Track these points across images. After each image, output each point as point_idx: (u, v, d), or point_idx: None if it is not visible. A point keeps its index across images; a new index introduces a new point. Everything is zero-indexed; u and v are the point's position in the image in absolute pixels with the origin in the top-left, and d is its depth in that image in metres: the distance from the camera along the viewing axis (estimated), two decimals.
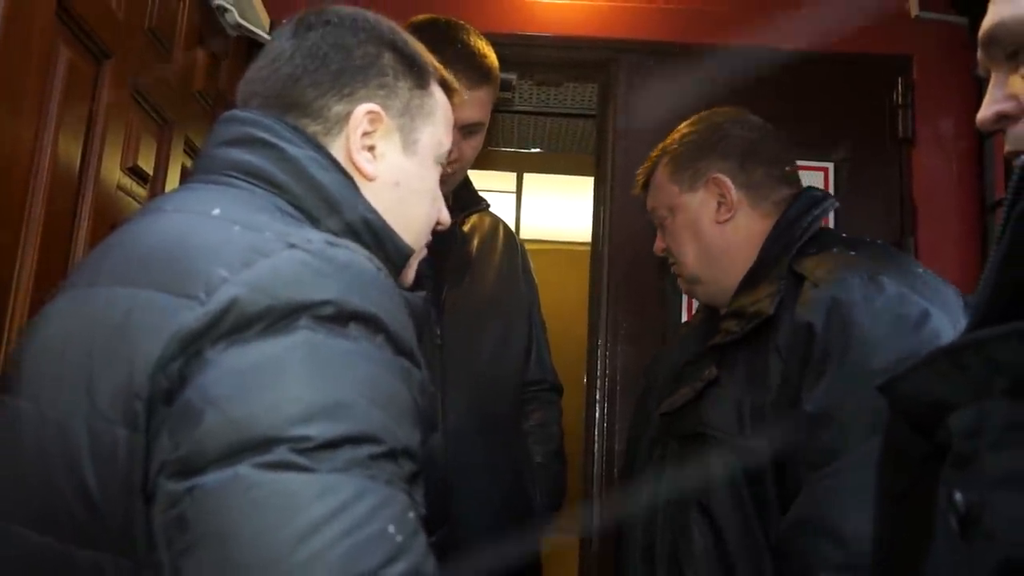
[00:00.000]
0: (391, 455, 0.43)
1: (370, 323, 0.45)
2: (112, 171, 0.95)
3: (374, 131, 0.59)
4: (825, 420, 0.73)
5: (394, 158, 0.61)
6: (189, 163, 1.19)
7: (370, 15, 0.63)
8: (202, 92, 1.24)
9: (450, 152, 0.67)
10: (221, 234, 0.47)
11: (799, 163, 1.54)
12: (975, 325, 0.44)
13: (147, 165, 1.06)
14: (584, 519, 1.44)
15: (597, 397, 1.45)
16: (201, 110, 1.25)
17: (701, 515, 0.80)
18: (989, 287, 0.44)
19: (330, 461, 0.40)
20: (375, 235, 0.57)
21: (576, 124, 2.65)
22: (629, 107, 1.52)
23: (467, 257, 1.19)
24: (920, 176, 1.52)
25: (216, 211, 0.50)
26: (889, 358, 0.72)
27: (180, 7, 1.13)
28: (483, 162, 1.21)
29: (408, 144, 0.61)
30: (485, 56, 1.08)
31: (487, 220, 1.26)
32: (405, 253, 0.60)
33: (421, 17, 1.12)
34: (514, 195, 3.45)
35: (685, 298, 1.45)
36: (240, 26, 1.29)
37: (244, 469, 0.39)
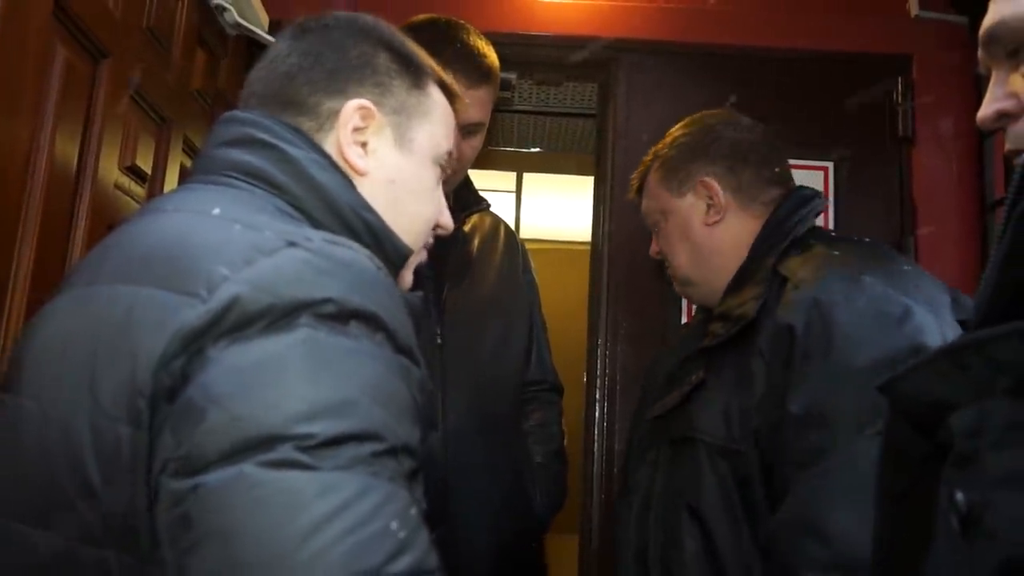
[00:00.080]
0: (392, 452, 0.43)
1: (370, 321, 0.45)
2: (110, 170, 0.95)
3: (366, 127, 0.59)
4: (810, 420, 0.73)
5: (387, 155, 0.61)
6: (188, 162, 1.19)
7: (369, 18, 0.63)
8: (201, 91, 1.24)
9: (450, 154, 0.67)
10: (221, 233, 0.48)
11: (799, 162, 1.55)
12: (976, 325, 0.44)
13: (145, 164, 1.06)
14: (583, 519, 1.44)
15: (597, 397, 1.45)
16: (200, 109, 1.25)
17: (691, 518, 0.81)
18: (990, 287, 0.44)
19: (333, 459, 0.40)
20: (374, 235, 0.57)
21: (576, 124, 2.65)
22: (629, 106, 1.52)
23: (468, 257, 1.19)
24: (920, 175, 1.52)
25: (216, 211, 0.50)
26: (872, 356, 0.72)
27: (179, 6, 1.13)
28: (483, 162, 1.21)
29: (402, 141, 0.61)
30: (485, 56, 1.07)
31: (488, 220, 1.26)
32: (404, 253, 0.60)
33: (421, 17, 1.12)
34: (514, 195, 3.44)
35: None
36: (239, 25, 1.29)
37: (248, 467, 0.39)
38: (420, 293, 0.60)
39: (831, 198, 1.50)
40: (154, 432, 0.42)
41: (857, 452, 0.69)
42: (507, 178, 3.38)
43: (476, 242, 1.22)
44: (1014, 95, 0.51)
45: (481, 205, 1.23)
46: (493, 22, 1.45)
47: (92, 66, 0.90)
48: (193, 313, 0.43)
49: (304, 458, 0.40)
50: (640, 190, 1.02)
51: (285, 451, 0.40)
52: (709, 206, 0.93)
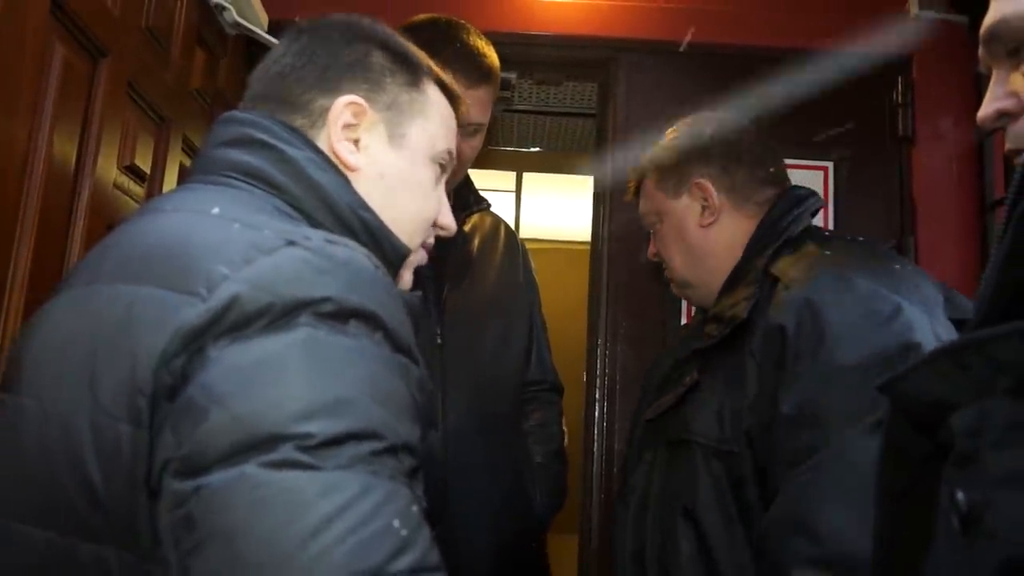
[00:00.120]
0: (392, 451, 0.43)
1: (369, 320, 0.45)
2: (108, 169, 0.95)
3: (358, 124, 0.60)
4: (801, 419, 0.74)
5: (379, 151, 0.60)
6: (187, 162, 1.19)
7: (365, 19, 0.64)
8: (200, 90, 1.24)
9: (450, 153, 0.67)
10: (221, 232, 0.48)
11: (799, 162, 1.55)
12: (977, 324, 0.44)
13: (144, 164, 1.05)
14: (583, 519, 1.44)
15: (596, 396, 1.45)
16: (199, 108, 1.25)
17: (686, 520, 0.81)
18: (991, 286, 0.44)
19: (334, 458, 0.40)
20: (372, 235, 0.57)
21: (576, 123, 2.65)
22: (629, 106, 1.52)
23: (468, 257, 1.18)
24: (920, 175, 1.52)
25: (215, 210, 0.50)
26: (862, 354, 0.72)
27: (178, 5, 1.13)
28: (482, 161, 1.21)
29: (394, 137, 0.61)
30: (484, 56, 1.07)
31: (488, 220, 1.26)
32: (402, 253, 0.60)
33: (421, 17, 1.12)
34: (513, 194, 3.44)
35: None
36: (238, 24, 1.29)
37: (250, 468, 0.39)
38: (419, 293, 0.60)
39: (831, 198, 1.50)
40: (154, 431, 0.42)
41: (847, 449, 0.69)
42: (506, 177, 3.38)
43: (476, 242, 1.22)
44: (1014, 94, 0.51)
45: (481, 205, 1.22)
46: (493, 22, 1.45)
47: (91, 65, 0.90)
48: (193, 312, 0.43)
49: (305, 458, 0.40)
50: (637, 192, 1.02)
51: (286, 451, 0.40)
52: (704, 207, 0.94)
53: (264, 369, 0.42)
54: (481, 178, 1.34)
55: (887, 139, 1.52)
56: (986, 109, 0.52)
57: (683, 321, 1.43)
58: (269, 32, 1.34)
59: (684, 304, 1.44)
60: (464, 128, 1.06)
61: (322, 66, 0.60)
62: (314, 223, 0.54)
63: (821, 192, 1.50)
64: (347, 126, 0.59)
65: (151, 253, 0.48)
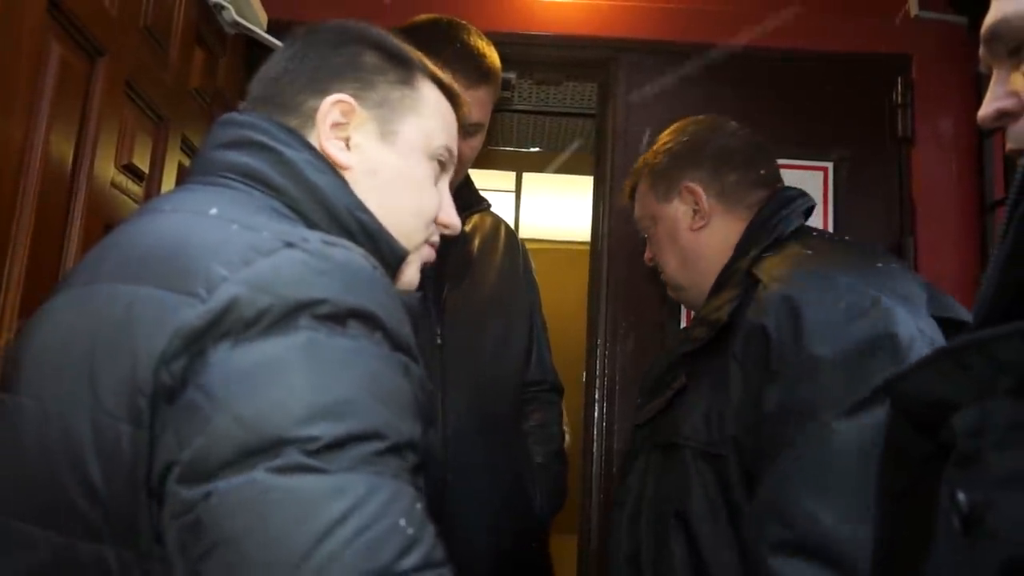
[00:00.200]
0: (395, 449, 0.44)
1: (368, 320, 0.46)
2: (106, 169, 0.95)
3: (347, 123, 0.60)
4: (783, 415, 0.74)
5: (370, 148, 0.61)
6: (186, 161, 1.19)
7: (358, 23, 0.65)
8: (199, 90, 1.24)
9: (449, 151, 0.67)
10: (219, 233, 0.48)
11: (798, 163, 1.54)
12: (978, 325, 0.44)
13: (143, 163, 1.05)
14: (582, 519, 1.44)
15: (596, 397, 1.45)
16: (198, 108, 1.24)
17: (678, 523, 0.81)
18: (992, 287, 0.44)
19: (339, 461, 0.41)
20: (369, 236, 0.57)
21: (576, 123, 2.65)
22: (629, 106, 1.52)
23: (468, 257, 1.18)
24: (919, 176, 1.52)
25: (214, 211, 0.51)
26: (841, 347, 0.72)
27: (176, 5, 1.13)
28: (482, 161, 1.21)
29: (385, 135, 0.61)
30: (485, 56, 1.07)
31: (488, 220, 1.26)
32: (399, 254, 0.60)
33: (423, 17, 1.12)
34: (513, 194, 3.44)
35: None
36: (237, 24, 1.29)
37: (259, 474, 0.40)
38: (418, 294, 0.60)
39: (831, 198, 1.50)
40: (155, 431, 0.42)
41: (824, 436, 0.70)
42: (506, 177, 3.38)
43: (477, 242, 1.21)
44: (1015, 94, 0.51)
45: (482, 205, 1.22)
46: (493, 22, 1.45)
47: (88, 64, 0.90)
48: (193, 313, 0.43)
49: (312, 462, 0.40)
50: (632, 197, 1.03)
51: (292, 456, 0.40)
52: (695, 211, 0.95)
53: (266, 372, 0.42)
54: (481, 178, 1.34)
55: (887, 139, 1.52)
56: (986, 109, 0.52)
57: (683, 321, 1.43)
58: (269, 32, 1.34)
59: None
60: (464, 128, 1.06)
61: (312, 68, 0.61)
62: (311, 224, 0.55)
63: (820, 192, 1.50)
64: (336, 125, 0.59)
65: (150, 253, 0.48)
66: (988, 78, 0.53)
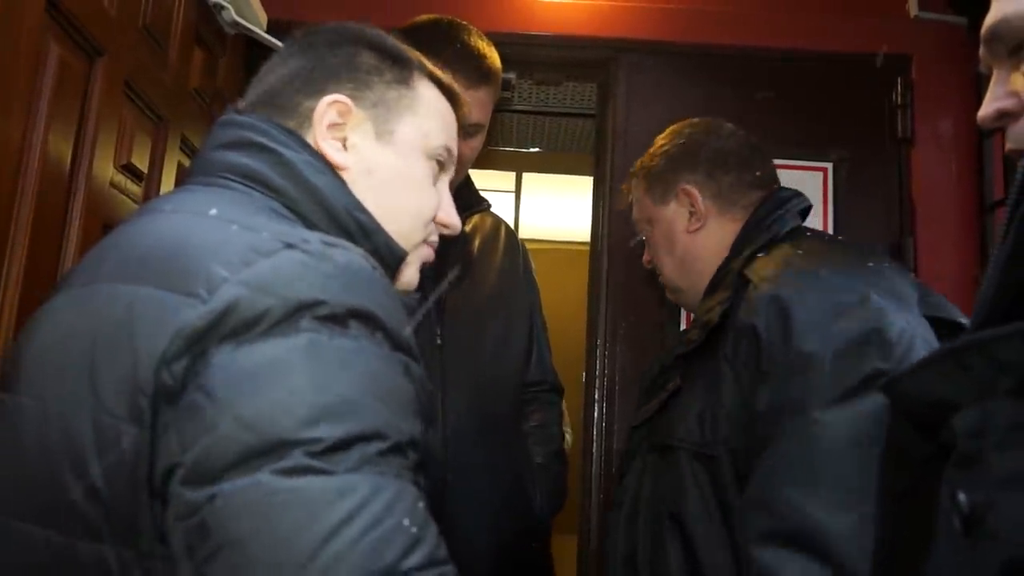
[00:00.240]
0: (398, 448, 0.44)
1: (368, 320, 0.46)
2: (105, 169, 0.95)
3: (344, 123, 0.60)
4: (774, 414, 0.74)
5: (366, 148, 0.61)
6: (185, 161, 1.19)
7: (355, 24, 0.65)
8: (198, 90, 1.24)
9: (448, 150, 0.66)
10: (219, 234, 0.48)
11: (798, 163, 1.54)
12: (978, 325, 0.44)
13: (142, 163, 1.05)
14: (582, 519, 1.44)
15: (596, 397, 1.45)
16: (198, 108, 1.24)
17: (673, 524, 0.81)
18: (992, 287, 0.44)
19: (343, 462, 0.41)
20: (368, 237, 0.57)
21: (575, 123, 2.65)
22: (628, 106, 1.52)
23: (468, 257, 1.18)
24: (919, 176, 1.52)
25: (213, 211, 0.51)
26: (828, 341, 0.73)
27: (175, 5, 1.13)
28: (482, 161, 1.21)
29: (381, 134, 0.61)
30: (485, 57, 1.07)
31: (488, 220, 1.26)
32: (398, 255, 0.60)
33: (424, 17, 1.12)
34: (513, 194, 3.44)
35: None
36: (237, 24, 1.28)
37: (264, 476, 0.40)
38: (417, 295, 0.61)
39: (831, 199, 1.50)
40: (157, 432, 0.43)
41: (810, 429, 0.70)
42: (506, 178, 3.38)
43: (477, 242, 1.21)
44: (1015, 94, 0.51)
45: (482, 205, 1.22)
46: (493, 22, 1.45)
47: (87, 64, 0.90)
48: (194, 313, 0.43)
49: (316, 463, 0.41)
50: (630, 200, 1.04)
51: (297, 457, 0.41)
52: (691, 213, 0.95)
53: (268, 374, 0.42)
54: (481, 178, 1.34)
55: (886, 140, 1.52)
56: (986, 109, 0.52)
57: (683, 322, 1.43)
58: (268, 32, 1.34)
59: None
60: (464, 129, 1.06)
61: (309, 69, 0.61)
62: (310, 225, 0.55)
63: (820, 193, 1.50)
64: (333, 125, 0.59)
65: (150, 254, 0.48)
66: (988, 78, 0.53)
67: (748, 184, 0.95)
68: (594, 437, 1.44)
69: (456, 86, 0.68)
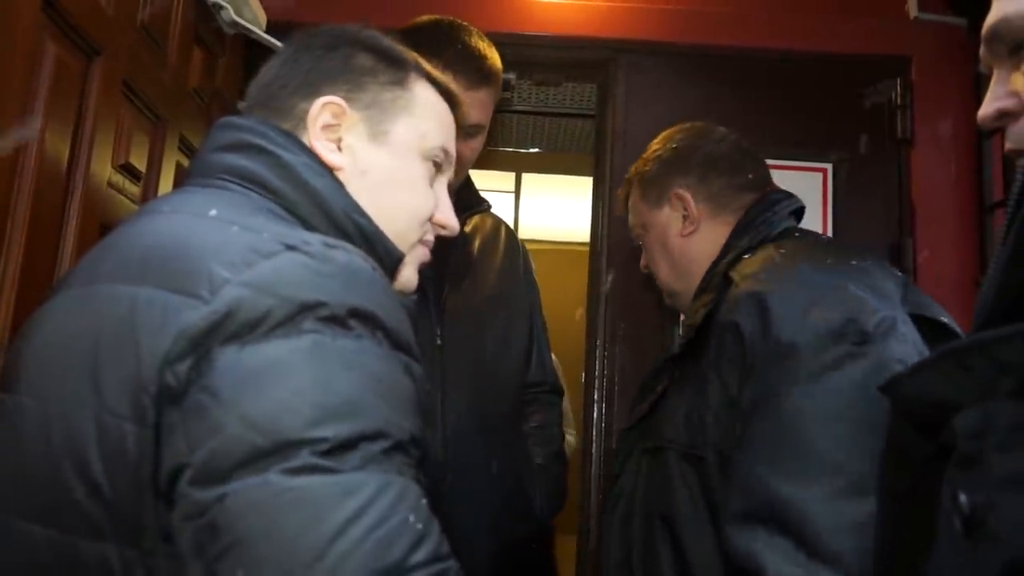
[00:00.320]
0: (400, 446, 0.45)
1: (369, 321, 0.46)
2: (103, 168, 0.95)
3: (339, 124, 0.60)
4: (753, 405, 0.74)
5: (361, 149, 0.61)
6: (184, 161, 1.18)
7: (351, 26, 0.65)
8: (197, 90, 1.23)
9: (445, 151, 0.66)
10: (220, 235, 0.48)
11: (798, 164, 1.54)
12: (979, 326, 0.44)
13: (140, 163, 1.05)
14: (581, 519, 1.43)
15: (595, 398, 1.44)
16: (197, 108, 1.24)
17: (663, 525, 0.82)
18: (993, 289, 0.44)
19: (350, 460, 0.42)
20: (366, 238, 0.58)
21: (575, 124, 2.65)
22: (628, 107, 1.52)
23: (468, 258, 1.18)
24: (919, 177, 1.52)
25: (213, 212, 0.51)
26: (808, 332, 0.73)
27: (174, 4, 1.12)
28: (482, 162, 1.20)
29: (376, 135, 0.61)
30: (485, 58, 1.07)
31: (489, 221, 1.26)
32: (396, 257, 0.60)
33: (425, 18, 1.11)
34: (512, 195, 3.44)
35: None
36: (236, 24, 1.28)
37: (273, 476, 0.41)
38: (414, 297, 0.61)
39: (830, 200, 1.50)
40: (161, 432, 0.43)
41: (779, 410, 0.71)
42: (506, 178, 3.38)
43: (477, 243, 1.21)
44: (1015, 94, 0.51)
45: (482, 206, 1.22)
46: (493, 22, 1.45)
47: (84, 63, 0.89)
48: (196, 314, 0.43)
49: (323, 462, 0.41)
50: (626, 206, 1.05)
51: (304, 457, 0.41)
52: (684, 217, 0.96)
53: (273, 374, 0.42)
54: (480, 179, 1.34)
55: (886, 141, 1.52)
56: (987, 108, 0.52)
57: (682, 321, 1.43)
58: (268, 32, 1.34)
59: None
60: (464, 129, 1.06)
61: (305, 71, 0.61)
62: (309, 227, 0.55)
63: (820, 194, 1.50)
64: (327, 127, 0.60)
65: (150, 254, 0.48)
66: (988, 79, 0.53)
67: (739, 187, 0.95)
68: (593, 438, 1.43)
69: (454, 87, 0.68)
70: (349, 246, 0.50)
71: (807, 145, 1.50)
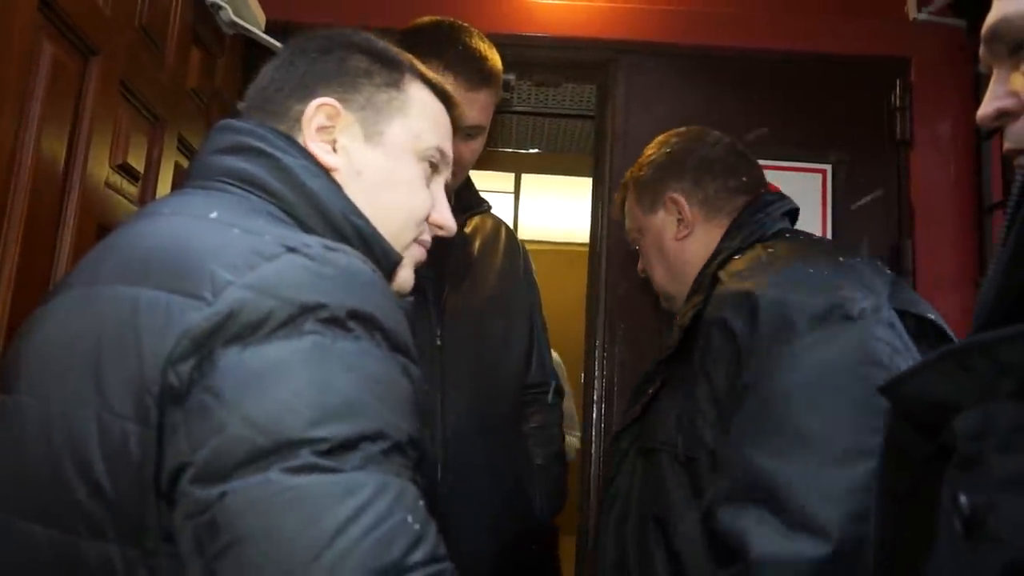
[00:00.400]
0: (399, 447, 0.45)
1: (368, 322, 0.47)
2: (100, 168, 0.94)
3: (333, 126, 0.61)
4: (747, 394, 0.75)
5: (356, 150, 0.61)
6: (183, 161, 1.18)
7: (346, 29, 0.66)
8: (196, 90, 1.23)
9: (441, 151, 0.66)
10: (220, 237, 0.49)
11: (797, 165, 1.54)
12: (980, 327, 0.44)
13: (138, 163, 1.05)
14: (581, 519, 1.43)
15: (595, 398, 1.44)
16: (195, 108, 1.24)
17: (657, 526, 0.82)
18: (994, 289, 0.44)
19: (350, 461, 0.42)
20: (363, 240, 0.58)
21: (575, 125, 2.65)
22: (628, 108, 1.52)
23: (468, 259, 1.18)
24: (918, 178, 1.52)
25: (213, 214, 0.51)
26: (792, 320, 0.74)
27: (172, 4, 1.12)
28: (481, 162, 1.20)
29: (370, 136, 0.62)
30: (486, 59, 1.07)
31: (489, 222, 1.26)
32: (393, 259, 0.61)
33: (426, 19, 1.11)
34: (512, 195, 3.45)
35: None
36: (235, 24, 1.28)
37: (274, 474, 0.41)
38: (411, 299, 0.61)
39: (829, 201, 1.50)
40: (164, 432, 0.43)
41: (762, 392, 0.72)
42: (505, 179, 3.38)
43: (477, 244, 1.21)
44: (1015, 93, 0.51)
45: (482, 207, 1.22)
46: (492, 23, 1.45)
47: (81, 63, 0.89)
48: (199, 315, 0.44)
49: (324, 462, 0.42)
50: (623, 210, 1.05)
51: (305, 456, 0.42)
52: (679, 220, 0.97)
53: (274, 375, 0.43)
54: (480, 179, 1.34)
55: (885, 142, 1.52)
56: (986, 108, 0.52)
57: None
58: (267, 32, 1.33)
59: None
60: (464, 131, 1.06)
61: (300, 74, 0.62)
62: (307, 229, 0.55)
63: (819, 195, 1.50)
64: (322, 128, 0.60)
65: (151, 255, 0.49)
66: (987, 79, 0.53)
67: (733, 190, 0.96)
68: (593, 438, 1.43)
69: (453, 88, 0.68)
70: (348, 248, 0.50)
71: (807, 146, 1.50)
